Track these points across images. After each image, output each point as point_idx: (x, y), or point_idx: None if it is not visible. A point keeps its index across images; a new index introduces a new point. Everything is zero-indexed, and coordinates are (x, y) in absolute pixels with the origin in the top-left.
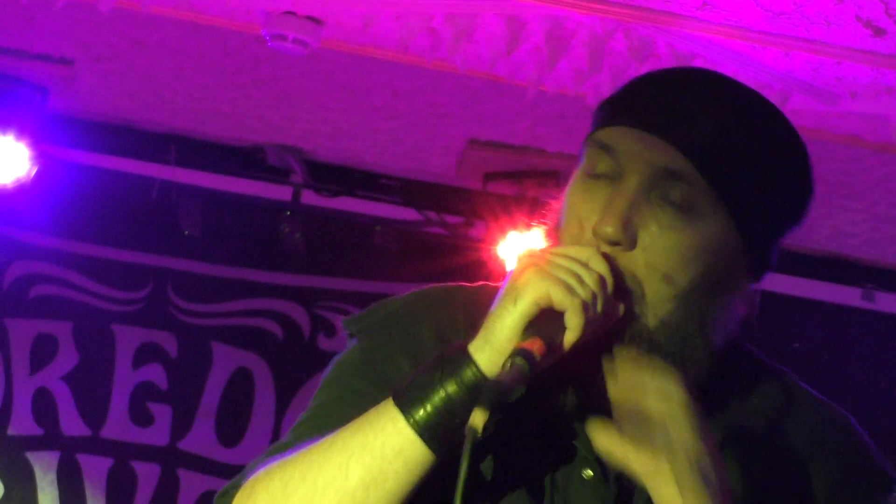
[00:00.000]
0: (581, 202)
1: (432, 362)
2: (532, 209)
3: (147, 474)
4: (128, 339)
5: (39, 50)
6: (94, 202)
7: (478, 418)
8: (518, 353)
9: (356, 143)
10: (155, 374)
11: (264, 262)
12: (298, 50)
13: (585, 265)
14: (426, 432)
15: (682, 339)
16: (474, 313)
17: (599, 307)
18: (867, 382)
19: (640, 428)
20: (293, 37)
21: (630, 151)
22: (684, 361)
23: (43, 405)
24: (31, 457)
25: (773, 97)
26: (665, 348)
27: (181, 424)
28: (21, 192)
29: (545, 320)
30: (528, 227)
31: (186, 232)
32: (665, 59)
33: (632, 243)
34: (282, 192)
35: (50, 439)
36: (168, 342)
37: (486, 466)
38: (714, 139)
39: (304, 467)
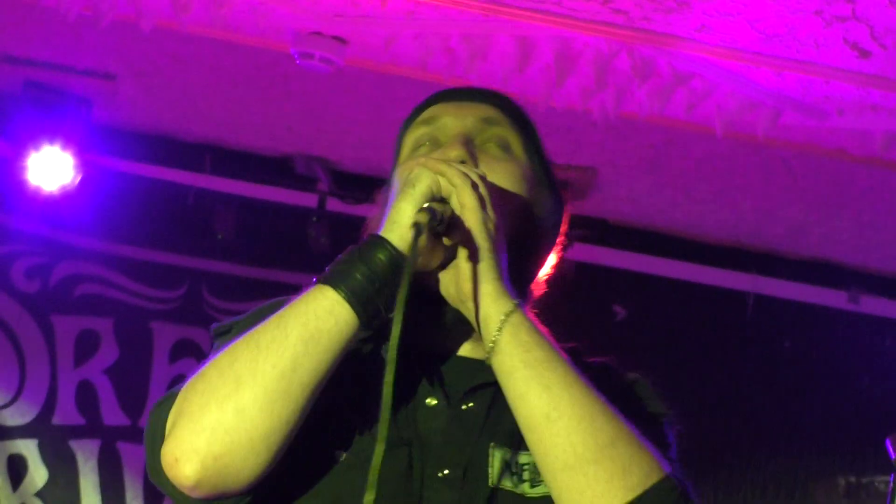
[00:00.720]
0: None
1: (349, 251)
2: None
3: None
4: (165, 335)
5: (85, 65)
6: (135, 207)
7: (422, 217)
8: (423, 209)
9: (378, 154)
10: (190, 368)
11: (292, 264)
12: (325, 67)
13: (463, 167)
14: (353, 296)
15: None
16: None
17: (485, 192)
18: (852, 379)
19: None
20: (320, 55)
21: (450, 113)
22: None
23: (85, 397)
24: (74, 445)
25: (767, 114)
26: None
27: None
28: (67, 198)
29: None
30: None
31: (220, 235)
32: (665, 77)
33: (476, 167)
34: (308, 200)
35: (92, 428)
36: (202, 338)
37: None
38: (509, 102)
39: (246, 339)
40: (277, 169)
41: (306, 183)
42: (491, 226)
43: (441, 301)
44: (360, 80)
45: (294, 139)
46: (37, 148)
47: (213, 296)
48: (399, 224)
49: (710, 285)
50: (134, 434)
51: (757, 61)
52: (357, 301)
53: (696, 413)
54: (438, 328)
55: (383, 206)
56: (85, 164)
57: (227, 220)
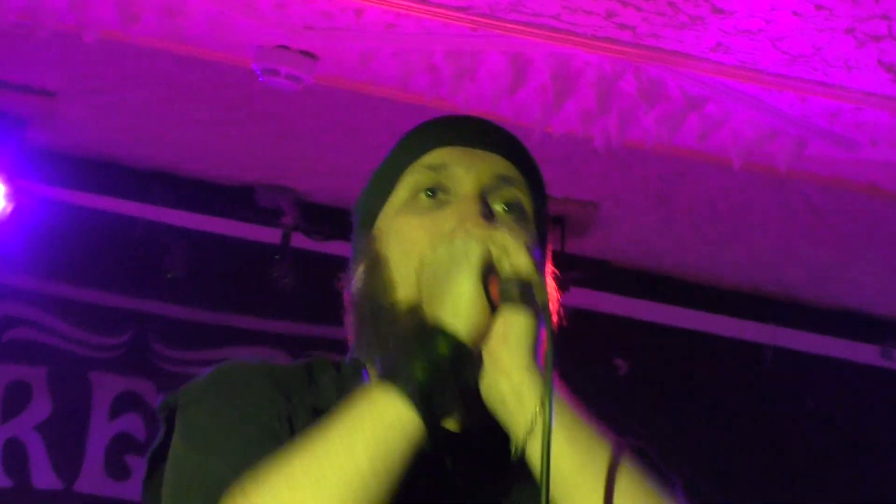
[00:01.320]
0: (422, 221)
1: (403, 343)
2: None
3: None
4: (105, 387)
5: (20, 80)
6: (74, 241)
7: (542, 292)
8: (505, 280)
9: (352, 184)
10: (133, 424)
11: (251, 308)
12: (291, 85)
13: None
14: (420, 400)
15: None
16: (307, 374)
17: (536, 256)
18: (884, 446)
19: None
20: (286, 72)
21: (462, 164)
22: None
23: (13, 456)
24: None
25: (790, 143)
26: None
27: None
28: None
29: (493, 275)
30: None
31: (170, 275)
32: (676, 101)
33: None
34: (271, 235)
35: (20, 493)
36: (148, 391)
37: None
38: (523, 152)
39: (307, 457)
40: (237, 200)
41: (269, 216)
42: (547, 290)
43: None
44: (331, 100)
45: (256, 166)
46: None
47: (162, 343)
48: (462, 305)
49: (722, 336)
50: (67, 500)
51: (780, 84)
52: (424, 405)
53: (706, 481)
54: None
55: (367, 258)
56: (17, 191)
57: (179, 258)
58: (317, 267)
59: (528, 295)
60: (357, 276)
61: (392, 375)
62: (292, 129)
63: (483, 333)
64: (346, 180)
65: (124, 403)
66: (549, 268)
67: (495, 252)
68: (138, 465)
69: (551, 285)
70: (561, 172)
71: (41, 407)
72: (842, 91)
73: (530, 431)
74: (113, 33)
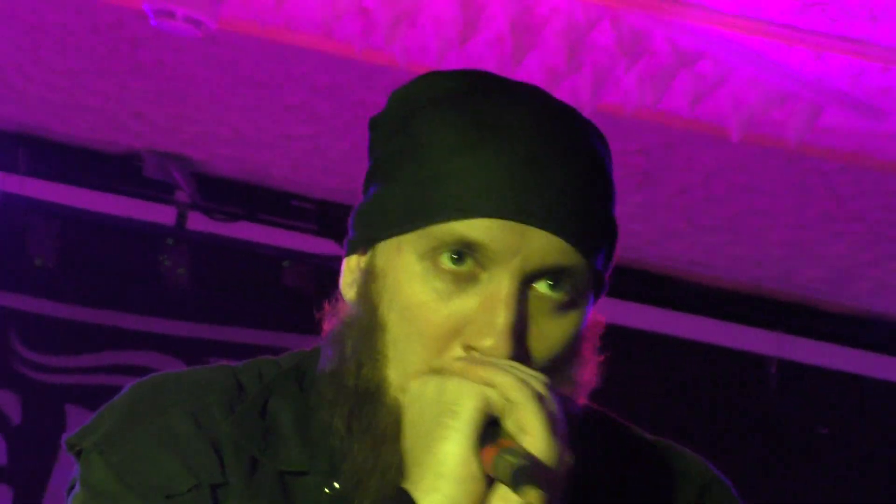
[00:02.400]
0: (437, 304)
1: None
2: None
3: None
4: None
5: None
6: None
7: (534, 496)
8: (502, 451)
9: (262, 153)
10: None
11: (137, 305)
12: (190, 31)
13: (514, 366)
14: None
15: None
16: (227, 398)
17: (550, 402)
18: None
19: None
20: (184, 14)
21: (507, 249)
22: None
23: None
24: None
25: (802, 111)
26: None
27: None
28: None
29: (491, 434)
30: None
31: (37, 262)
32: (663, 57)
33: (526, 357)
34: (163, 214)
35: None
36: (10, 404)
37: None
38: (595, 212)
39: None
40: (120, 170)
41: (160, 190)
42: (561, 459)
43: None
44: (239, 49)
45: (144, 130)
46: None
47: (26, 346)
48: (446, 477)
49: (718, 346)
50: None
51: (790, 38)
52: None
53: None
54: None
55: (362, 304)
56: None
57: (48, 240)
58: (218, 254)
59: (529, 476)
60: (347, 318)
61: None
62: (190, 85)
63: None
64: (253, 148)
65: None
66: (594, 330)
67: (498, 404)
68: None
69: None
70: None
71: None
72: (865, 47)
73: None
74: None
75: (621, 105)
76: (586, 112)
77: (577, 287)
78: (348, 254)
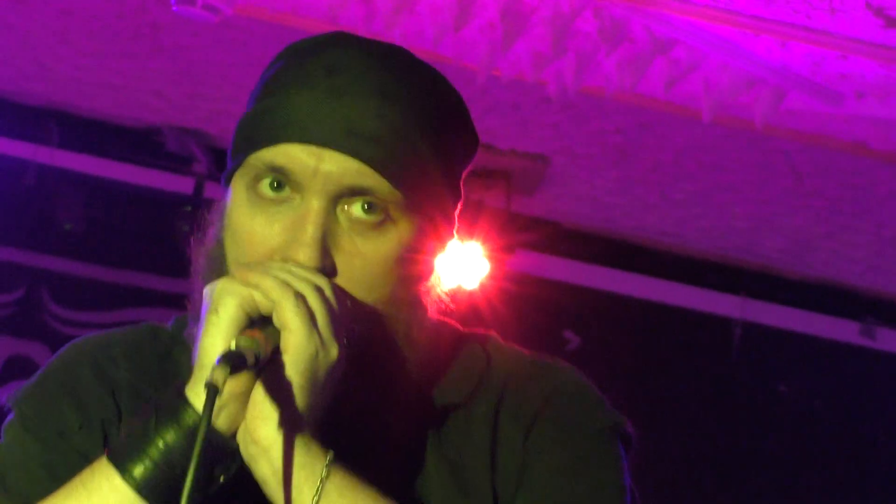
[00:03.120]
0: (258, 227)
1: (146, 410)
2: (476, 215)
3: None
4: None
5: None
6: None
7: (219, 374)
8: (222, 361)
9: None
10: None
11: (158, 266)
12: (208, 16)
13: (290, 270)
14: (146, 488)
15: (387, 349)
16: (134, 349)
17: (330, 296)
18: (864, 432)
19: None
20: (203, 1)
21: (306, 171)
22: (389, 372)
23: None
24: None
25: (767, 94)
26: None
27: None
28: None
29: (260, 330)
30: (471, 235)
31: (67, 227)
32: (641, 44)
33: (332, 271)
34: (182, 184)
35: None
36: (41, 355)
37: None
38: (392, 139)
39: None
40: (143, 144)
41: (179, 163)
42: (323, 353)
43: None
44: (251, 33)
45: (164, 107)
46: None
47: (57, 302)
48: (204, 368)
49: (686, 309)
50: None
51: (756, 27)
52: (152, 493)
53: (667, 468)
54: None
55: (217, 231)
56: None
57: (77, 207)
58: None
59: (230, 358)
60: (206, 251)
61: (123, 451)
62: (207, 66)
63: (236, 403)
64: None
65: (14, 368)
66: (436, 272)
67: (262, 302)
68: None
69: (429, 284)
70: (508, 121)
71: None
72: (825, 36)
73: None
74: None
75: (602, 88)
76: (569, 93)
77: (387, 209)
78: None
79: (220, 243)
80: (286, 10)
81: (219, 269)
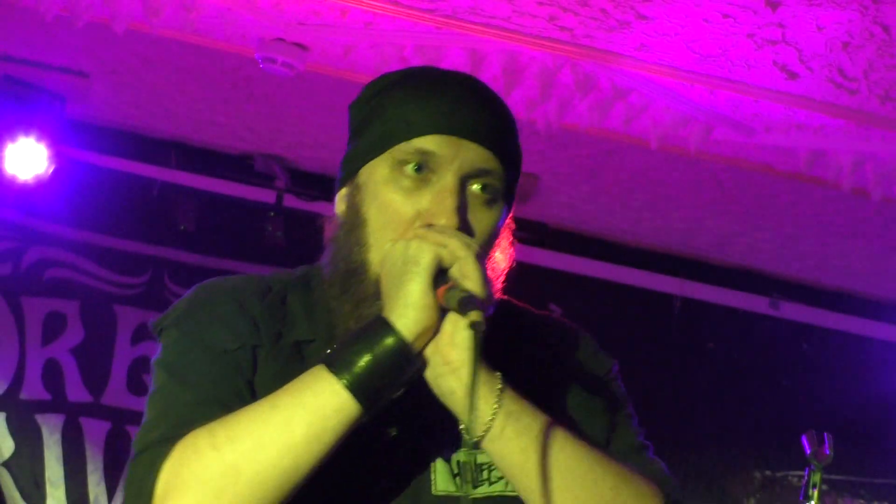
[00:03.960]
0: (404, 198)
1: (356, 333)
2: None
3: None
4: (128, 318)
5: (60, 62)
6: (103, 198)
7: (477, 315)
8: (451, 288)
9: (334, 155)
10: (151, 350)
11: (248, 256)
12: (286, 72)
13: (457, 234)
14: (360, 392)
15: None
16: (261, 292)
17: (483, 262)
18: (771, 380)
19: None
20: (282, 60)
21: (450, 155)
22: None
23: (51, 374)
24: (40, 419)
25: (699, 128)
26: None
27: None
28: (40, 187)
29: (442, 279)
30: None
31: (182, 227)
32: (606, 91)
33: (469, 233)
34: (267, 196)
35: (57, 404)
36: None
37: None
38: (505, 136)
39: (248, 425)
40: (238, 166)
41: (265, 180)
42: (489, 295)
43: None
44: (318, 84)
45: (254, 138)
46: (13, 139)
47: (174, 283)
48: (411, 306)
49: (640, 287)
50: (96, 410)
51: (692, 79)
52: (363, 395)
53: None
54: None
55: (349, 211)
56: (58, 155)
57: (190, 213)
58: (304, 223)
59: (472, 303)
60: (342, 218)
61: (338, 362)
62: (285, 108)
63: (428, 333)
64: (328, 151)
65: (143, 332)
66: (508, 231)
67: (447, 258)
68: None
69: (502, 256)
70: None
71: (75, 334)
72: (743, 86)
73: (480, 421)
74: (138, 24)
75: (577, 124)
76: (553, 128)
77: (496, 189)
78: (338, 189)
79: (357, 215)
80: (344, 68)
81: (358, 233)
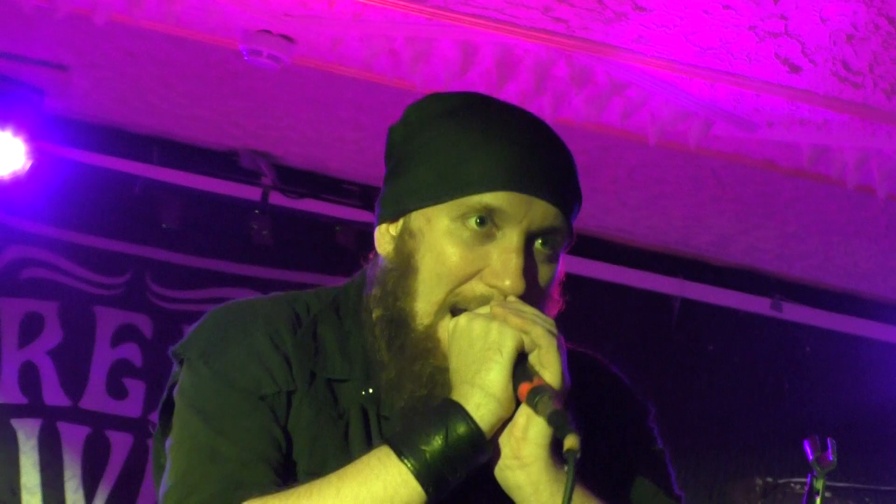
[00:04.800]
0: (464, 254)
1: (426, 415)
2: None
3: (121, 443)
4: (107, 320)
5: (38, 55)
6: (83, 195)
7: (574, 441)
8: (536, 390)
9: (322, 151)
10: (131, 352)
11: (234, 255)
12: (272, 65)
13: (538, 315)
14: (429, 481)
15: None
16: (291, 324)
17: (562, 349)
18: (772, 383)
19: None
20: (268, 53)
21: (518, 214)
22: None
23: (28, 377)
24: (16, 423)
25: (699, 124)
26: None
27: (153, 398)
28: (17, 183)
29: (521, 368)
30: None
31: (165, 225)
32: (602, 85)
33: (534, 293)
34: (252, 193)
35: (33, 408)
36: (144, 324)
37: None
38: (572, 191)
39: None
40: (223, 162)
41: (250, 176)
42: (567, 387)
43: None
44: (306, 78)
45: (240, 134)
46: None
47: (156, 283)
48: (490, 396)
49: (638, 288)
50: (74, 415)
51: (691, 73)
52: (432, 483)
53: None
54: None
55: (399, 257)
56: (36, 151)
57: (172, 211)
58: (291, 221)
59: (563, 420)
60: (389, 260)
61: (407, 447)
62: (272, 103)
63: (500, 424)
64: (316, 147)
65: (124, 334)
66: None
67: (528, 343)
68: (135, 386)
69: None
70: None
71: (53, 335)
72: (744, 80)
73: None
74: (119, 16)
75: (572, 119)
76: (548, 123)
77: (559, 243)
78: (379, 223)
79: (409, 263)
80: (332, 61)
81: (408, 282)
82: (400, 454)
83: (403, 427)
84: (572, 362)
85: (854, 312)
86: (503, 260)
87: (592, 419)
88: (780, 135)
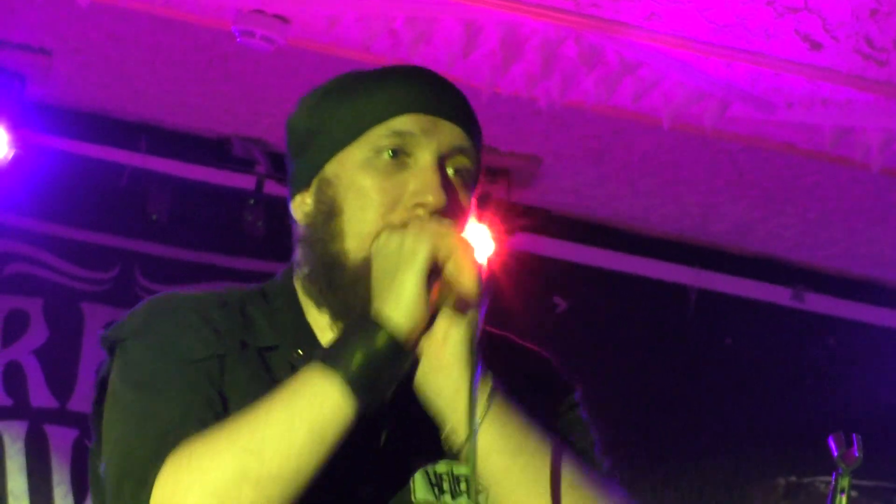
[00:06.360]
0: (385, 183)
1: (347, 330)
2: (483, 205)
3: None
4: (96, 316)
5: (19, 39)
6: (68, 186)
7: (474, 315)
8: (447, 287)
9: None
10: None
11: (227, 248)
12: (265, 46)
13: (454, 226)
14: (358, 388)
15: None
16: (220, 304)
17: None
18: (794, 378)
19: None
20: (261, 34)
21: (427, 134)
22: None
23: (13, 377)
24: (1, 426)
25: (714, 105)
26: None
27: None
28: None
29: (434, 275)
30: (478, 218)
31: (154, 217)
32: (613, 65)
33: (456, 211)
34: (246, 182)
35: (19, 410)
36: None
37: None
38: (474, 119)
39: (248, 429)
40: (215, 150)
41: (244, 165)
42: (483, 290)
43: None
44: (301, 60)
45: (232, 120)
46: None
47: (146, 278)
48: (402, 301)
49: (652, 278)
50: (62, 417)
51: (706, 51)
52: (361, 391)
53: (635, 409)
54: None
55: (319, 207)
56: (17, 140)
57: (162, 202)
58: (286, 211)
59: (468, 302)
60: (311, 218)
61: (332, 360)
62: (265, 87)
63: (420, 330)
64: None
65: None
66: (473, 214)
67: (443, 253)
68: None
69: (476, 241)
70: (507, 129)
71: (38, 334)
72: (762, 58)
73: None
74: None
75: (581, 101)
76: (556, 105)
77: (470, 172)
78: (292, 196)
79: (331, 207)
80: (328, 42)
81: (333, 225)
82: (327, 364)
83: (329, 345)
84: (491, 343)
85: (880, 302)
86: (421, 179)
87: (518, 398)
88: (801, 116)
